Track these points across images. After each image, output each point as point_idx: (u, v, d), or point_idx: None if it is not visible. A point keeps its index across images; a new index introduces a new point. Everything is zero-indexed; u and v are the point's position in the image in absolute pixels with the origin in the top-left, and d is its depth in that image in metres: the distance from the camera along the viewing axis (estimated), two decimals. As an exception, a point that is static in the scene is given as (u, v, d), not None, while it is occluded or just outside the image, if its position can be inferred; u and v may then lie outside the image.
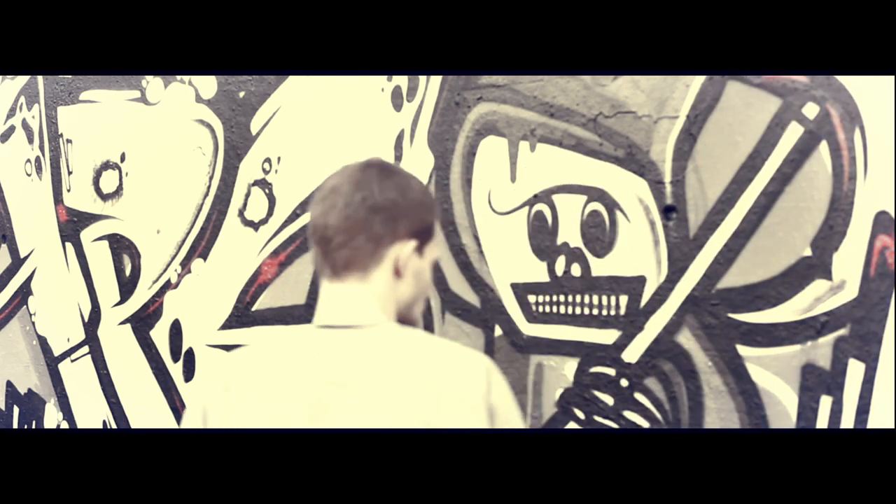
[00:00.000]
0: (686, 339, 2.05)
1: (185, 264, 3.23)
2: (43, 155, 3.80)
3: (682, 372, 2.06)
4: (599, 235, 2.20)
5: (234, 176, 3.09)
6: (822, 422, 1.89)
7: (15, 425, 3.96)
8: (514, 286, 2.35)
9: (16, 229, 3.96)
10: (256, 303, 3.02)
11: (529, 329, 2.33)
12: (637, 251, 2.14)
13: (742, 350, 1.97)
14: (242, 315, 3.06)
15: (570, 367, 2.26)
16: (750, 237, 1.95)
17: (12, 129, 3.95)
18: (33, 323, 3.87)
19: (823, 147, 1.87)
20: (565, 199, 2.27)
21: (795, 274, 1.90)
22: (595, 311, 2.20)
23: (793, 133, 1.91)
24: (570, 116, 2.25)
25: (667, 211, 2.08)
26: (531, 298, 2.32)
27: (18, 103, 3.92)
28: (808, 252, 1.88)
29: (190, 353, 3.24)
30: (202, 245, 3.18)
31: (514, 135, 2.36)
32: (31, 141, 3.86)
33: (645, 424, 2.12)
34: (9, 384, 4.01)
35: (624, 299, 2.15)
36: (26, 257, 3.91)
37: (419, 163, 2.57)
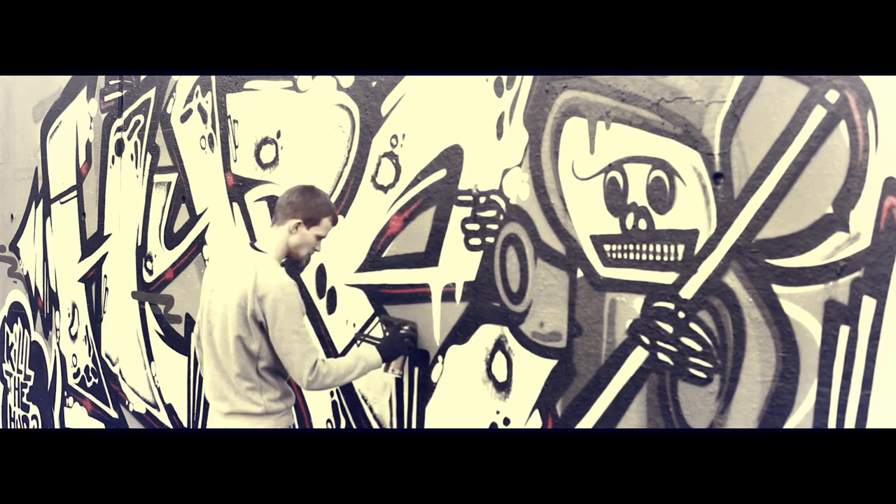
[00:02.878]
0: (731, 279, 2.15)
1: (329, 220, 3.41)
2: (214, 132, 4.02)
3: (728, 306, 2.16)
4: (661, 196, 2.30)
5: (368, 149, 3.26)
6: (841, 347, 1.97)
7: (192, 349, 4.23)
8: (593, 237, 2.48)
9: (193, 192, 4.21)
10: (385, 251, 3.19)
11: (605, 272, 2.45)
12: (692, 209, 2.24)
13: (777, 289, 2.06)
14: (374, 260, 3.24)
15: (637, 302, 2.38)
16: (783, 198, 2.03)
17: (190, 112, 4.19)
18: (207, 266, 4.08)
19: (842, 126, 1.96)
20: (634, 167, 2.38)
21: (820, 227, 1.99)
22: (658, 258, 2.31)
23: (818, 114, 1.99)
24: (638, 101, 2.35)
25: (715, 177, 2.18)
26: (606, 247, 2.44)
27: (195, 91, 4.14)
28: (830, 210, 1.96)
29: (332, 290, 3.44)
30: (342, 204, 3.36)
31: (593, 116, 2.47)
32: (204, 121, 4.09)
33: (698, 348, 2.23)
34: (188, 316, 4.29)
35: (681, 248, 2.26)
36: (201, 214, 4.16)
37: (516, 138, 2.70)
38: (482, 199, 2.81)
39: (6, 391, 6.33)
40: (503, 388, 2.76)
